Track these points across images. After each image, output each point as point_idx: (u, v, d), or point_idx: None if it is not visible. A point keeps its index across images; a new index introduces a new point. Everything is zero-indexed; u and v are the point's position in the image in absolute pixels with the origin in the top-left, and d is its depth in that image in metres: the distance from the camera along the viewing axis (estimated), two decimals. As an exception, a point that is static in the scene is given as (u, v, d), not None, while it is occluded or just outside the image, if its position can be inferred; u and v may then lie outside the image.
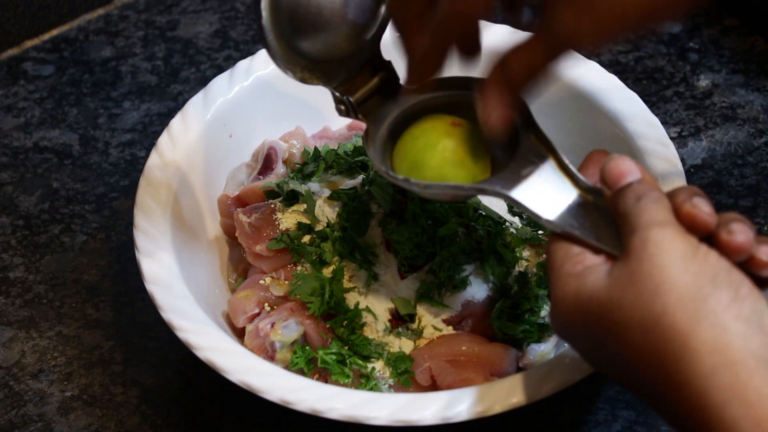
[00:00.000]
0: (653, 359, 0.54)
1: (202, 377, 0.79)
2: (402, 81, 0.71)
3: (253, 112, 0.87)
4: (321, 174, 0.82)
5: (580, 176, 0.64)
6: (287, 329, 0.75)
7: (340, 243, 0.76)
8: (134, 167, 0.95)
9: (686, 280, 0.54)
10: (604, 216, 0.61)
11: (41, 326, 0.84)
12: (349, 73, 0.72)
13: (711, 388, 0.52)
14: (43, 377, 0.81)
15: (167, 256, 0.76)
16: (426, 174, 0.68)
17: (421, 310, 0.75)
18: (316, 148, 0.84)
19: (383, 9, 0.71)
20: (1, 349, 0.83)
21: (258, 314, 0.77)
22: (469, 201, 0.77)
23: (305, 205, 0.79)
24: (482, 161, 0.69)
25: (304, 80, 0.71)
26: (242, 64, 0.87)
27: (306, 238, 0.77)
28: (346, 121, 0.89)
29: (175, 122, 0.84)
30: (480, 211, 0.77)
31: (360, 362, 0.74)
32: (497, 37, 0.87)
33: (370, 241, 0.76)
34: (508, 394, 0.68)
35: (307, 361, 0.74)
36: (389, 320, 0.75)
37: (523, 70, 0.62)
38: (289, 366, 0.75)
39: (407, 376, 0.74)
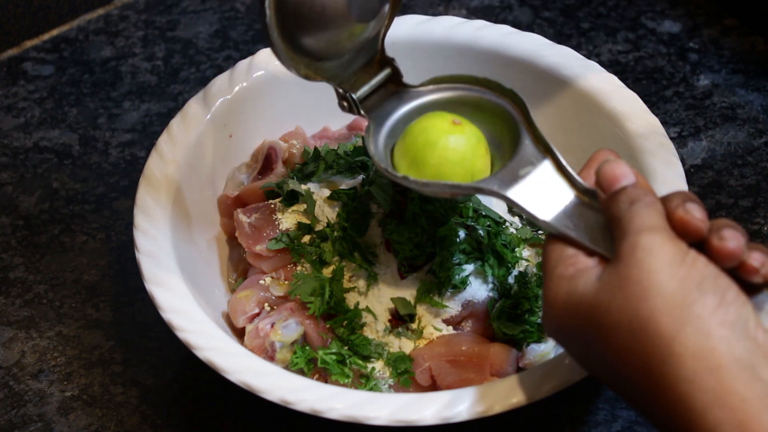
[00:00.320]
0: (639, 363, 0.55)
1: (202, 377, 0.79)
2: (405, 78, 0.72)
3: (253, 112, 0.87)
4: (321, 174, 0.82)
5: (578, 178, 0.64)
6: (287, 329, 0.75)
7: (340, 243, 0.76)
8: (134, 167, 0.95)
9: (673, 286, 0.54)
10: (599, 218, 0.62)
11: (41, 326, 0.84)
12: (353, 69, 0.72)
13: (694, 392, 0.53)
14: (43, 377, 0.81)
15: (167, 257, 0.76)
16: (425, 172, 0.69)
17: (421, 310, 0.75)
18: (316, 148, 0.84)
19: (387, 7, 0.72)
20: (1, 349, 0.83)
21: (258, 314, 0.77)
22: (469, 201, 0.77)
23: (305, 205, 0.79)
24: (481, 160, 0.69)
25: (308, 77, 0.71)
26: (242, 64, 0.87)
27: (306, 238, 0.77)
28: (346, 121, 0.89)
29: (175, 122, 0.84)
30: (480, 211, 0.77)
31: (360, 362, 0.74)
32: (498, 36, 0.87)
33: (370, 241, 0.76)
34: (508, 394, 0.68)
35: (307, 361, 0.74)
36: (389, 320, 0.75)
37: None
38: (289, 366, 0.75)
39: (407, 376, 0.74)
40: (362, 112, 0.71)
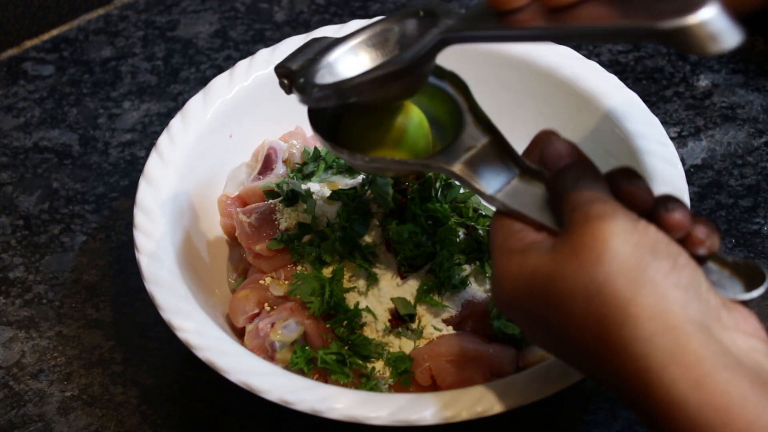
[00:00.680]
0: (595, 328, 0.55)
1: (202, 377, 0.79)
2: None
3: (253, 112, 0.87)
4: (321, 174, 0.82)
5: (521, 157, 0.65)
6: (287, 329, 0.75)
7: (340, 243, 0.76)
8: (134, 167, 0.95)
9: (627, 251, 0.55)
10: (543, 194, 0.63)
11: (41, 326, 0.84)
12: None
13: (651, 352, 0.53)
14: (43, 377, 0.81)
15: (167, 256, 0.76)
16: (368, 152, 0.69)
17: (421, 310, 0.75)
18: (316, 148, 0.84)
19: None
20: (1, 349, 0.83)
21: (258, 314, 0.77)
22: (469, 201, 0.78)
23: (305, 205, 0.79)
24: (424, 141, 0.70)
25: None
26: (242, 64, 0.87)
27: (306, 238, 0.77)
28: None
29: (175, 122, 0.84)
30: (480, 211, 0.77)
31: (360, 362, 0.74)
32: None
33: (370, 241, 0.76)
34: (508, 394, 0.68)
35: (307, 361, 0.74)
36: (389, 320, 0.75)
37: None
38: (289, 366, 0.75)
39: (407, 376, 0.74)
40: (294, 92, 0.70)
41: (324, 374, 0.75)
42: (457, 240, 0.75)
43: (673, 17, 0.54)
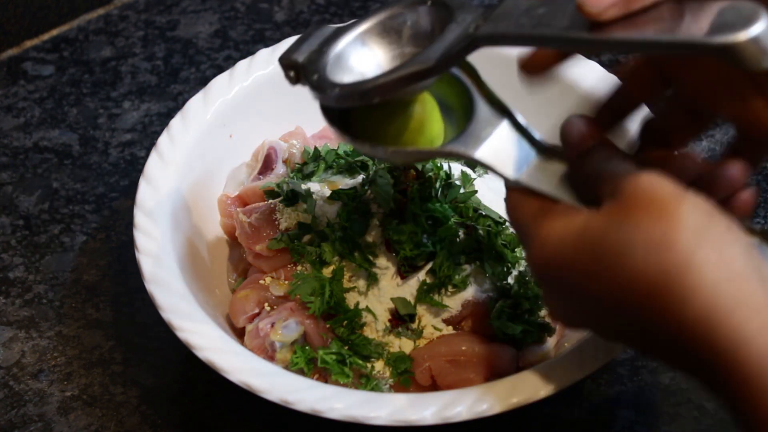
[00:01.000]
0: (655, 277, 0.55)
1: (202, 377, 0.79)
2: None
3: (253, 112, 0.87)
4: (321, 174, 0.82)
5: (536, 135, 0.65)
6: (287, 329, 0.75)
7: (340, 243, 0.76)
8: (134, 167, 0.95)
9: (685, 210, 0.55)
10: (563, 173, 0.63)
11: (41, 326, 0.84)
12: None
13: (717, 297, 0.53)
14: (43, 377, 0.81)
15: (167, 256, 0.76)
16: (387, 142, 0.68)
17: (421, 310, 0.75)
18: (316, 148, 0.84)
19: None
20: (1, 349, 0.83)
21: (258, 314, 0.77)
22: (469, 201, 0.77)
23: (305, 205, 0.79)
24: (438, 125, 0.70)
25: None
26: (242, 64, 0.87)
27: (306, 238, 0.77)
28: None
29: (175, 122, 0.84)
30: (480, 211, 0.77)
31: (360, 362, 0.74)
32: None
33: (370, 241, 0.76)
34: (508, 394, 0.68)
35: (307, 361, 0.74)
36: (389, 320, 0.75)
37: None
38: (289, 366, 0.75)
39: (407, 376, 0.74)
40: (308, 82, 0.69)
41: (324, 374, 0.75)
42: (457, 240, 0.75)
43: (725, 32, 0.54)
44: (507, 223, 0.78)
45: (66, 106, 1.00)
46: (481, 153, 0.65)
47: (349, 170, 0.82)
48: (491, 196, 0.80)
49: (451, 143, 0.66)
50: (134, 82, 1.02)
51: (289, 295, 0.76)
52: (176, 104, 0.99)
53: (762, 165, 0.71)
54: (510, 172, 0.64)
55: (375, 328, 0.75)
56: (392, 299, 0.75)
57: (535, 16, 0.60)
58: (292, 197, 0.79)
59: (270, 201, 0.80)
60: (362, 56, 0.69)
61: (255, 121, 0.87)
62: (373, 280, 0.75)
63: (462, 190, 0.78)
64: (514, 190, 0.63)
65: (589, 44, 0.59)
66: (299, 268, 0.77)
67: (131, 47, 1.05)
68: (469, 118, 0.67)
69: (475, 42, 0.62)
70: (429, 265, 0.75)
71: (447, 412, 0.67)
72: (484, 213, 0.77)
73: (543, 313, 0.75)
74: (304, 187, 0.80)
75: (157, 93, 1.01)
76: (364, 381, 0.74)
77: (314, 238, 0.77)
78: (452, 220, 0.76)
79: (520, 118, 0.66)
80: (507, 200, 0.64)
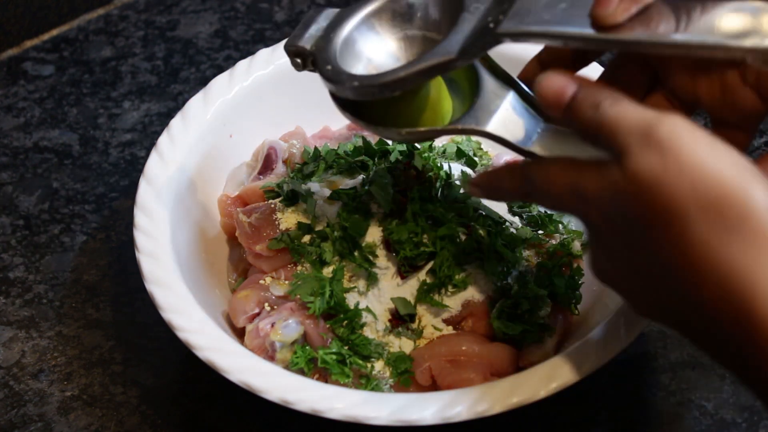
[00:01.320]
0: (710, 217, 0.53)
1: (202, 377, 0.79)
2: None
3: (253, 112, 0.87)
4: (321, 174, 0.82)
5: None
6: (287, 329, 0.75)
7: (340, 243, 0.76)
8: (134, 167, 0.95)
9: (721, 150, 0.54)
10: (570, 136, 0.62)
11: (41, 326, 0.84)
12: None
13: None
14: (43, 377, 0.81)
15: (167, 256, 0.76)
16: (399, 122, 0.68)
17: (421, 310, 0.75)
18: (316, 148, 0.84)
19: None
20: (1, 349, 0.83)
21: (258, 314, 0.77)
22: (469, 201, 0.77)
23: (305, 205, 0.79)
24: (447, 102, 0.70)
25: None
26: (242, 64, 0.87)
27: (306, 238, 0.77)
28: (346, 121, 0.89)
29: (175, 122, 0.84)
30: (480, 211, 0.77)
31: (360, 362, 0.74)
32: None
33: (370, 241, 0.76)
34: (508, 394, 0.68)
35: (307, 361, 0.74)
36: (389, 320, 0.75)
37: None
38: (289, 366, 0.75)
39: (407, 376, 0.74)
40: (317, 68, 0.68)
41: (324, 374, 0.75)
42: (457, 240, 0.75)
43: (754, 36, 0.54)
44: (507, 223, 0.78)
45: (66, 106, 1.00)
46: (492, 126, 0.65)
47: (349, 170, 0.82)
48: (491, 196, 0.80)
49: (463, 119, 0.66)
50: (134, 82, 1.02)
51: (289, 295, 0.76)
52: (176, 104, 0.99)
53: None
54: (522, 143, 0.64)
55: (375, 328, 0.75)
56: (392, 299, 0.75)
57: (557, 12, 0.60)
58: (292, 197, 0.79)
59: (270, 201, 0.80)
60: (370, 42, 0.68)
61: (255, 121, 0.87)
62: (373, 280, 0.75)
63: (462, 190, 0.78)
64: (541, 164, 0.61)
65: (614, 44, 0.59)
66: (299, 268, 0.77)
67: (131, 47, 1.05)
68: (474, 91, 0.67)
69: (498, 38, 0.61)
70: (429, 265, 0.75)
71: (447, 412, 0.67)
72: (484, 213, 0.77)
73: (543, 313, 0.75)
74: (304, 187, 0.80)
75: (157, 93, 1.01)
76: (364, 381, 0.74)
77: (314, 238, 0.77)
78: (452, 220, 0.76)
79: (525, 88, 0.66)
80: (536, 176, 0.60)
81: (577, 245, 0.81)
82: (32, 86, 1.02)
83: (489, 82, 0.67)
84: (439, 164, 0.79)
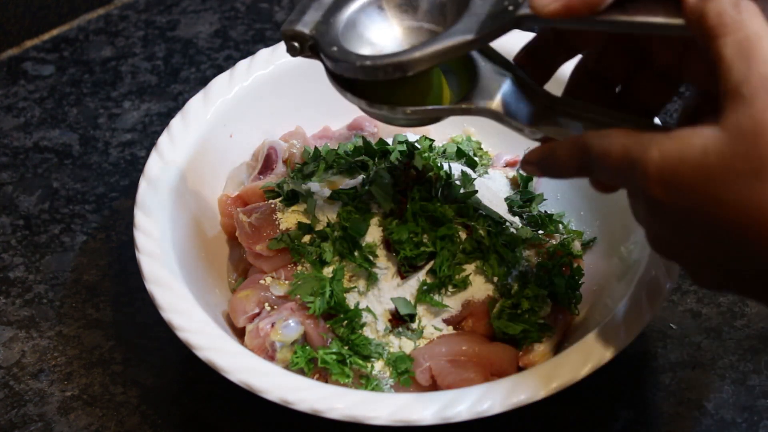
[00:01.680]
0: None
1: (202, 377, 0.79)
2: None
3: (253, 112, 0.87)
4: (321, 174, 0.82)
5: (538, 86, 0.66)
6: (287, 329, 0.75)
7: (340, 243, 0.76)
8: (134, 167, 0.95)
9: None
10: (566, 121, 0.63)
11: (41, 326, 0.84)
12: None
13: None
14: (43, 377, 0.81)
15: (167, 257, 0.76)
16: (397, 104, 0.68)
17: (421, 310, 0.75)
18: (316, 148, 0.84)
19: None
20: (1, 349, 0.83)
21: (258, 314, 0.77)
22: (469, 201, 0.77)
23: (305, 205, 0.79)
24: (447, 87, 0.70)
25: None
26: (242, 64, 0.87)
27: (306, 238, 0.77)
28: (346, 121, 0.89)
29: (175, 122, 0.84)
30: (480, 211, 0.77)
31: (360, 362, 0.74)
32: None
33: (370, 241, 0.76)
34: (508, 394, 0.68)
35: (307, 361, 0.75)
36: (389, 320, 0.75)
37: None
38: (289, 366, 0.75)
39: (407, 376, 0.74)
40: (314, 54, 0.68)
41: (324, 374, 0.75)
42: (457, 240, 0.75)
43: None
44: (507, 223, 0.78)
45: (66, 106, 1.00)
46: (496, 104, 0.65)
47: (349, 170, 0.82)
48: (491, 196, 0.80)
49: (466, 99, 0.66)
50: (134, 82, 1.02)
51: (290, 295, 0.76)
52: (176, 104, 0.99)
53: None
54: (527, 121, 0.64)
55: (375, 328, 0.75)
56: (392, 299, 0.75)
57: None
58: (292, 197, 0.79)
59: (270, 201, 0.80)
60: (377, 22, 0.68)
61: (255, 121, 0.87)
62: (373, 280, 0.75)
63: (462, 190, 0.78)
64: (600, 133, 0.59)
65: (626, 26, 0.59)
66: (299, 268, 0.77)
67: (131, 47, 1.05)
68: (469, 77, 0.67)
69: (518, 22, 0.61)
70: (429, 265, 0.75)
71: (447, 412, 0.67)
72: (484, 213, 0.77)
73: (543, 313, 0.75)
74: (304, 187, 0.80)
75: (157, 93, 1.01)
76: (365, 381, 0.74)
77: (314, 238, 0.77)
78: (452, 220, 0.76)
79: (523, 71, 0.66)
80: (594, 146, 0.59)
81: (577, 245, 0.81)
82: (32, 86, 1.02)
83: (486, 67, 0.67)
84: (439, 164, 0.79)
